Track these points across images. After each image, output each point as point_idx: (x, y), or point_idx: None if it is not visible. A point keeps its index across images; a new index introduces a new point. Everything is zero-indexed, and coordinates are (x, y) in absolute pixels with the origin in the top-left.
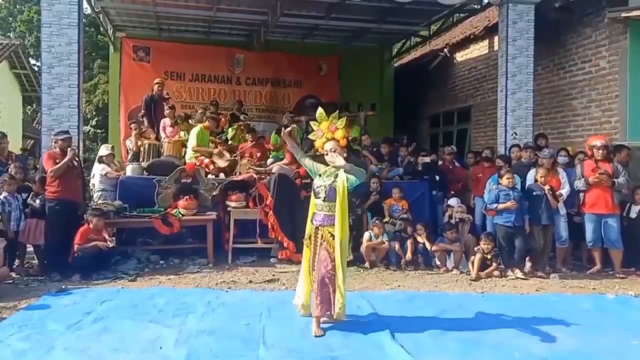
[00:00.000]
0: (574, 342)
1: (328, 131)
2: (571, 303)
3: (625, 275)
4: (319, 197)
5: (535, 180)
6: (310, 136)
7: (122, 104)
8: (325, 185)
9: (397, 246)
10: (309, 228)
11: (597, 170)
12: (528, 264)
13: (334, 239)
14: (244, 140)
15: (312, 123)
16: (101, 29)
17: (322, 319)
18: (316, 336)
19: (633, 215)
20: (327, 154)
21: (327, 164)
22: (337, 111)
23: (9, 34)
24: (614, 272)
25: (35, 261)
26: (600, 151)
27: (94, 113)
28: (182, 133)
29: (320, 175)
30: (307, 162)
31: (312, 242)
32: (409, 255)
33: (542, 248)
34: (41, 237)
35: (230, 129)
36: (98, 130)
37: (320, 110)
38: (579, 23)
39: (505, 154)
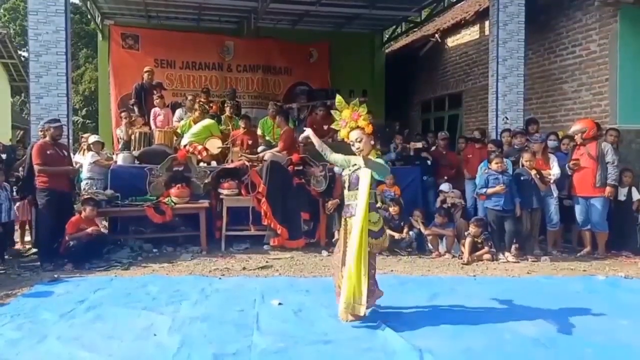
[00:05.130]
0: (565, 323)
1: (351, 120)
2: (562, 285)
3: (616, 257)
4: (345, 187)
5: (523, 165)
6: (333, 126)
7: (112, 93)
8: (349, 175)
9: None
10: (342, 222)
11: (578, 154)
12: (514, 247)
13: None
14: (234, 126)
15: (333, 112)
16: (88, 16)
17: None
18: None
19: (622, 197)
20: (352, 144)
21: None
22: (357, 98)
23: None
24: (598, 255)
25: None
26: (578, 135)
27: (82, 103)
28: (179, 122)
29: (350, 166)
30: (338, 158)
31: (343, 235)
32: (405, 234)
33: (529, 231)
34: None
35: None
36: (87, 120)
37: (338, 97)
38: (569, 6)
39: (496, 138)
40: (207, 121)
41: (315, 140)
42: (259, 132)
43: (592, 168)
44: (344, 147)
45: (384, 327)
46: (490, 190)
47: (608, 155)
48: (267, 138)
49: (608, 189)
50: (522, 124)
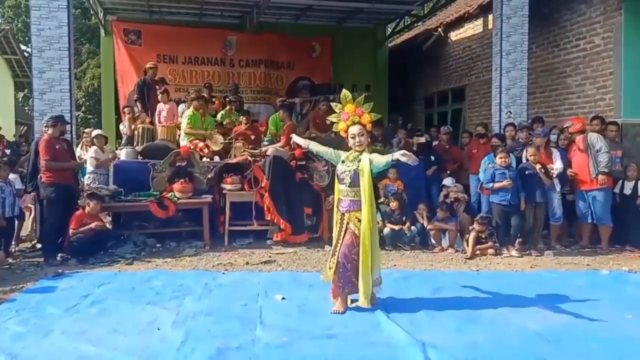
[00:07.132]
0: (568, 317)
1: (354, 114)
2: (565, 279)
3: (619, 251)
4: (344, 183)
5: (527, 160)
6: (332, 118)
7: (119, 89)
8: (350, 171)
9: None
10: (335, 215)
11: (571, 151)
12: (517, 242)
13: (361, 223)
14: (237, 122)
15: (333, 105)
16: (90, 12)
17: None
18: (334, 312)
19: (627, 191)
20: (353, 137)
21: (342, 149)
22: (363, 94)
23: None
24: (601, 249)
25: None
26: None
27: (85, 99)
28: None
29: (343, 161)
30: (326, 150)
31: (337, 228)
32: (407, 228)
33: (532, 226)
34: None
35: (222, 112)
36: (89, 116)
37: (345, 91)
38: (573, 0)
39: (500, 132)
40: (188, 112)
41: (300, 141)
42: (270, 128)
43: (585, 161)
44: (341, 142)
45: (388, 321)
46: (497, 185)
47: (596, 144)
48: (279, 134)
49: (601, 177)
50: (526, 119)
